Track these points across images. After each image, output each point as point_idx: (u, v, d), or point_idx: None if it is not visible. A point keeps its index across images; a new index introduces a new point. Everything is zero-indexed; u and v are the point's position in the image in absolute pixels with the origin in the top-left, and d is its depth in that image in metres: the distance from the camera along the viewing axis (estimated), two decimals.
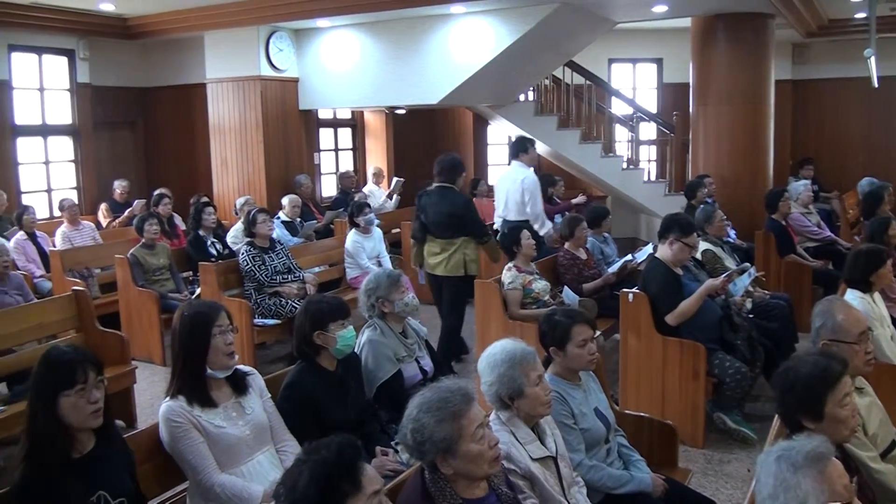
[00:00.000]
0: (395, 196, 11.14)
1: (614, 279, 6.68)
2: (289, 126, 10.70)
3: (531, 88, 11.55)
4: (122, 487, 2.84)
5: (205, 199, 9.27)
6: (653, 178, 11.42)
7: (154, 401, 6.25)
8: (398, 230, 9.74)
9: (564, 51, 10.47)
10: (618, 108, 11.92)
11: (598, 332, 3.60)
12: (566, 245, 6.84)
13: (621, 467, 3.49)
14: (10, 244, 7.79)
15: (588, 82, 11.28)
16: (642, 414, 4.05)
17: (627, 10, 9.52)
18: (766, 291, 6.53)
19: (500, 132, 13.38)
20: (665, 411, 5.05)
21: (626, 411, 4.08)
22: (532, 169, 7.69)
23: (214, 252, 8.03)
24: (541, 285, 6.08)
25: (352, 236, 8.17)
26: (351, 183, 11.12)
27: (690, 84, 9.87)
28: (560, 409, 3.32)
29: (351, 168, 12.61)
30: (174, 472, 3.31)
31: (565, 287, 6.47)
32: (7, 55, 10.19)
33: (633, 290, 5.34)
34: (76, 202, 9.76)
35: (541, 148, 11.30)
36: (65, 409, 2.69)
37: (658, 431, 3.88)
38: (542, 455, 2.99)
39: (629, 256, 6.87)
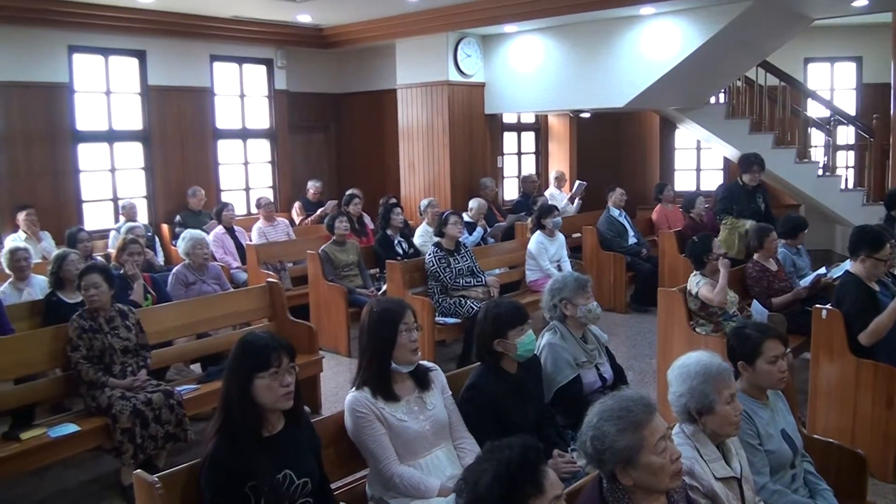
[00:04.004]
0: (576, 200, 11.05)
1: (806, 294, 6.31)
2: (474, 130, 10.89)
3: (722, 90, 11.13)
4: (307, 468, 2.98)
5: (393, 199, 9.57)
6: (850, 186, 10.76)
7: (339, 390, 6.53)
8: (579, 235, 9.64)
9: (758, 50, 10.06)
10: (814, 110, 11.28)
11: (788, 349, 3.40)
12: (755, 256, 6.52)
13: (807, 495, 3.30)
14: (210, 237, 8.38)
15: (782, 83, 10.77)
16: (831, 440, 3.79)
17: (825, 6, 9.05)
18: None
19: (689, 136, 12.97)
20: (855, 439, 4.71)
21: (815, 436, 3.83)
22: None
23: (400, 251, 8.27)
24: (729, 296, 5.84)
25: (536, 238, 8.19)
26: (533, 187, 11.14)
27: (892, 84, 9.17)
28: (745, 429, 3.16)
29: (533, 172, 12.64)
30: (356, 459, 3.46)
31: (754, 300, 6.18)
32: (209, 65, 11.00)
33: (827, 306, 5.02)
34: (272, 200, 10.38)
35: (730, 153, 10.91)
36: (258, 389, 2.85)
37: (847, 460, 3.61)
38: (727, 475, 2.87)
39: (822, 270, 6.48)
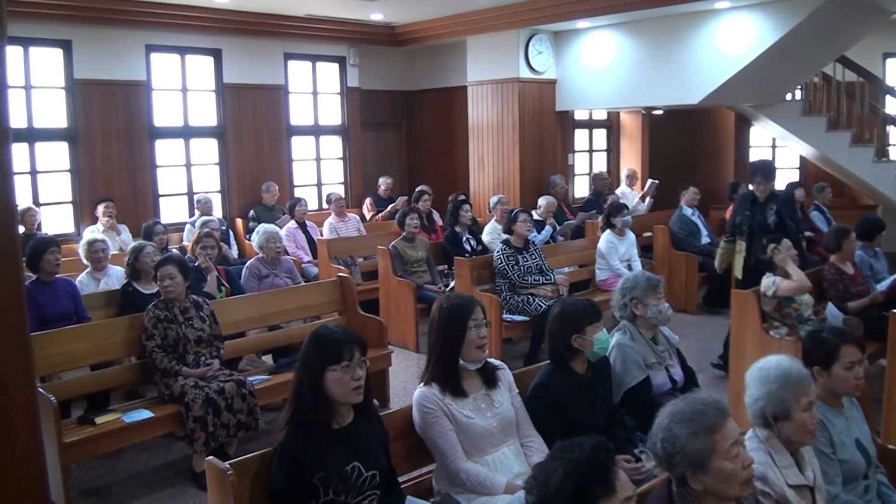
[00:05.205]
0: (648, 199, 10.90)
1: (883, 298, 6.10)
2: (544, 127, 10.83)
3: (799, 87, 10.85)
4: (375, 461, 3.00)
5: (462, 196, 9.58)
6: None
7: (407, 384, 6.57)
8: (650, 234, 9.50)
9: (835, 45, 9.78)
10: (892, 107, 10.89)
11: (864, 355, 3.28)
12: (832, 258, 6.34)
13: None
14: (283, 232, 8.49)
15: (860, 79, 10.43)
16: None
17: None
18: None
19: (764, 134, 12.67)
20: None
21: (889, 446, 3.66)
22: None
23: (469, 248, 8.28)
24: (804, 297, 5.69)
25: (606, 237, 8.11)
26: (604, 184, 11.01)
27: None
28: (819, 436, 3.06)
29: (604, 169, 12.50)
30: (423, 454, 3.49)
31: (829, 303, 6.00)
32: (283, 63, 11.17)
33: None
34: (343, 196, 10.47)
35: (807, 151, 10.64)
36: (330, 382, 2.89)
37: None
38: (799, 483, 2.80)
39: None
